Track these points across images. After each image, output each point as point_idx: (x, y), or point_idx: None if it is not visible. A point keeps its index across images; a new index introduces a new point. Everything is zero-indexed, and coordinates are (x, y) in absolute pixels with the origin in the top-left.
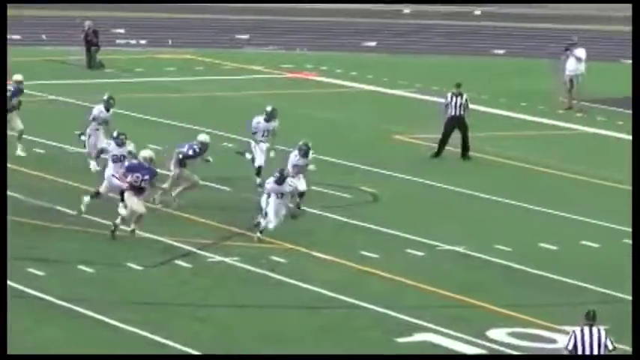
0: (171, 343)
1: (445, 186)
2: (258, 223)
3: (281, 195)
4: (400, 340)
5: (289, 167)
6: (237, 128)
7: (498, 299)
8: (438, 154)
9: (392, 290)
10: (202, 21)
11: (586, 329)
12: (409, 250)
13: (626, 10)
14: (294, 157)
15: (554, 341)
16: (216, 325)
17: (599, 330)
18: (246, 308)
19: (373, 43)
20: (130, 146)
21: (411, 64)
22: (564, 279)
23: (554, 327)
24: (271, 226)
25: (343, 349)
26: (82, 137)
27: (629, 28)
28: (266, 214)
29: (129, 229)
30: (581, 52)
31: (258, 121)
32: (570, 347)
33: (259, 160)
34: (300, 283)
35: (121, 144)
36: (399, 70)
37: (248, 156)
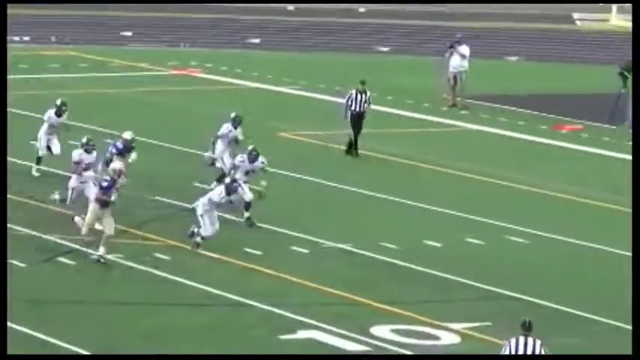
0: (54, 341)
1: (330, 183)
2: (193, 233)
3: (216, 205)
4: (285, 337)
5: (237, 174)
6: (121, 125)
7: (382, 296)
8: (350, 150)
9: (276, 288)
10: (86, 18)
11: (521, 339)
12: (294, 248)
13: (508, 8)
14: (239, 161)
15: (437, 338)
16: (100, 322)
17: (534, 340)
18: (131, 305)
19: (257, 40)
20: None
21: (295, 61)
22: (448, 276)
23: (438, 324)
24: (208, 233)
25: (228, 346)
26: (34, 142)
27: (511, 25)
28: (200, 224)
29: (97, 253)
30: (465, 50)
31: (230, 129)
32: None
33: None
34: (185, 280)
35: (90, 151)
36: (284, 67)
37: (218, 164)
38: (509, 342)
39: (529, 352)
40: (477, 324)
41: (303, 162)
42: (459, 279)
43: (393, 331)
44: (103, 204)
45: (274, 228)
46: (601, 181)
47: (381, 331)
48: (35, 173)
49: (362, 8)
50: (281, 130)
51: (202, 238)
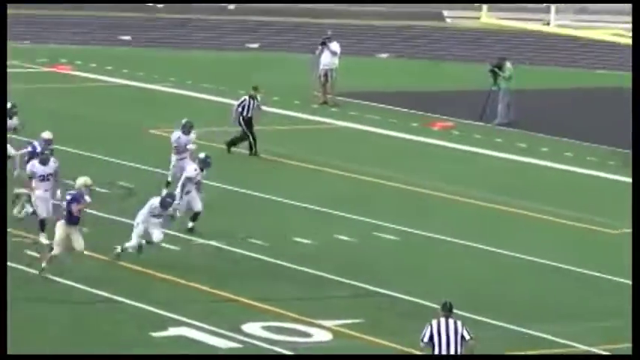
0: None
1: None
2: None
3: (152, 216)
4: (155, 334)
5: (186, 182)
6: None
7: (253, 293)
8: (253, 152)
9: (146, 284)
10: None
11: (442, 320)
12: (164, 245)
13: (378, 6)
14: (193, 170)
15: (309, 335)
16: None
17: (455, 321)
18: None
19: (128, 37)
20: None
21: (165, 58)
22: (319, 273)
23: (309, 321)
24: (132, 244)
25: (97, 343)
26: None
27: (381, 22)
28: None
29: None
30: (335, 47)
31: (178, 135)
32: (426, 339)
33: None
34: (56, 278)
35: (45, 162)
36: (154, 64)
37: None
38: (431, 323)
39: (451, 331)
40: (348, 321)
41: None
42: (330, 276)
43: (264, 328)
44: (75, 222)
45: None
46: (472, 179)
47: (252, 328)
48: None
49: (232, 5)
50: (151, 127)
51: (123, 249)
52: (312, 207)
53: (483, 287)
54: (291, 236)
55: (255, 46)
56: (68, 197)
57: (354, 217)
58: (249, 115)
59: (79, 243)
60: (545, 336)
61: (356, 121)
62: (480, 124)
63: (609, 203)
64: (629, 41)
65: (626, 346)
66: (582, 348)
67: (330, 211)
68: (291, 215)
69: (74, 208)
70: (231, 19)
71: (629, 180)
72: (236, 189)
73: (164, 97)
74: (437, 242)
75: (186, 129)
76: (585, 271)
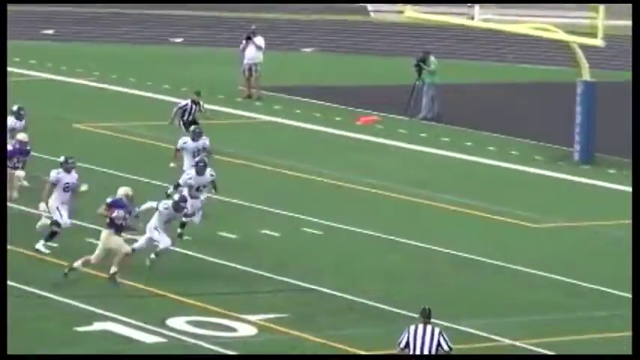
0: None
1: (123, 174)
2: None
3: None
4: (80, 329)
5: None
6: None
7: (177, 288)
8: None
9: (70, 279)
10: None
11: (420, 326)
12: (88, 239)
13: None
14: (186, 176)
15: (234, 330)
16: None
17: (433, 328)
18: None
19: (51, 31)
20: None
21: (89, 52)
22: (244, 268)
23: (234, 315)
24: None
25: (21, 339)
26: None
27: (306, 17)
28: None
29: (111, 271)
30: (260, 41)
31: (185, 141)
32: (403, 345)
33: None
34: None
35: (70, 170)
36: (78, 58)
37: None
38: (409, 329)
39: (427, 338)
40: (273, 315)
41: (99, 153)
42: (255, 271)
43: (189, 322)
44: (117, 229)
45: (71, 220)
46: (396, 173)
47: (177, 322)
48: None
49: None
50: (76, 121)
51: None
52: (236, 201)
53: (407, 282)
54: (216, 231)
55: (179, 40)
56: (109, 201)
57: (280, 211)
58: (189, 119)
59: (124, 245)
60: (471, 330)
61: (280, 116)
62: (405, 118)
63: (532, 197)
64: (554, 35)
65: (552, 340)
66: (507, 342)
67: (255, 205)
68: (216, 209)
69: (114, 214)
70: (155, 14)
71: (553, 174)
72: (160, 183)
73: (88, 91)
74: (361, 237)
75: (197, 135)
76: (507, 265)
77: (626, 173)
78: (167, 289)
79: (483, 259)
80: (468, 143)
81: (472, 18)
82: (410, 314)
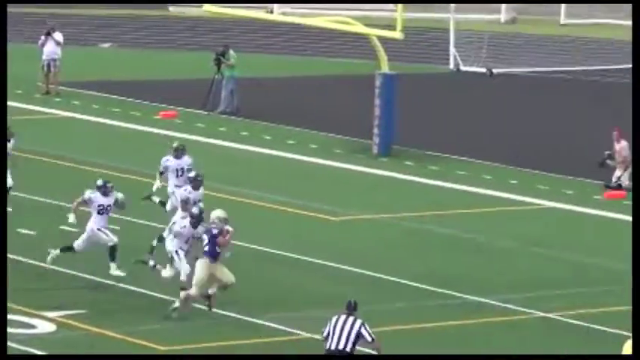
0: None
1: None
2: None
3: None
4: None
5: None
6: None
7: None
8: None
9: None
10: None
11: (342, 317)
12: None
13: None
14: (183, 191)
15: (33, 327)
16: None
17: (354, 319)
18: None
19: None
20: (118, 195)
21: None
22: (43, 264)
23: (33, 312)
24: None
25: None
26: None
27: (103, 11)
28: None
29: (210, 291)
30: (59, 36)
31: (167, 159)
32: (325, 334)
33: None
34: None
35: (107, 193)
36: None
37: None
38: (331, 320)
39: (346, 328)
40: (71, 312)
41: None
42: (54, 267)
43: None
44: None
45: None
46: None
47: None
48: None
49: None
50: None
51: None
52: (36, 198)
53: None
54: (15, 227)
55: None
56: (215, 231)
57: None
58: None
59: (227, 276)
60: (274, 325)
61: (79, 111)
62: (204, 112)
63: (331, 191)
64: (353, 28)
65: None
66: (305, 335)
67: (54, 201)
68: (12, 205)
69: (220, 240)
70: None
71: (352, 167)
72: None
73: None
74: (158, 231)
75: (180, 153)
76: (306, 258)
77: (425, 165)
78: None
79: (283, 253)
80: (267, 137)
81: (271, 12)
82: (217, 310)
